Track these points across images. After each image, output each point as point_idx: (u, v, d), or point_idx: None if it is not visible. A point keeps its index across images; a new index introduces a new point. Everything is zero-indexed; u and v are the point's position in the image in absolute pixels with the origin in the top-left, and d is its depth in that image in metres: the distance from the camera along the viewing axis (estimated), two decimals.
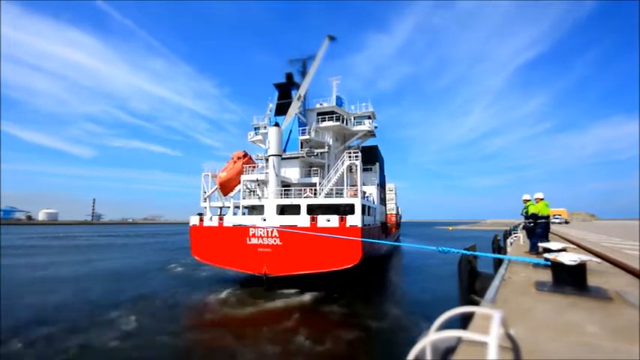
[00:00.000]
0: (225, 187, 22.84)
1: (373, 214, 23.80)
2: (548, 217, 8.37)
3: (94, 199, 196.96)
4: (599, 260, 6.27)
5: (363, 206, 18.99)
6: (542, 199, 8.58)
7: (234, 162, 23.22)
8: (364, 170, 29.73)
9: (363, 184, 26.56)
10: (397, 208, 53.99)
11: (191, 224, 20.88)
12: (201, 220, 20.54)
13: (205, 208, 22.70)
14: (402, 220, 64.58)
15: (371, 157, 30.90)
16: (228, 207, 21.91)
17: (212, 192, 23.18)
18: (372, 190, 26.10)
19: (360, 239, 15.81)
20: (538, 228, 8.29)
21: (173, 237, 67.87)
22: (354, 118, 27.99)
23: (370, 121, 27.83)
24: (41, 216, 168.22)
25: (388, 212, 44.36)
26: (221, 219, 19.97)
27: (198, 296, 16.53)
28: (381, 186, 33.75)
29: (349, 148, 27.53)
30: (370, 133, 28.33)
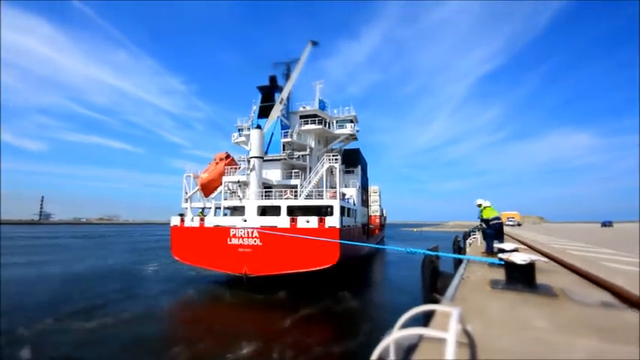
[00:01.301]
0: (207, 188, 22.45)
1: (353, 215, 23.87)
2: (499, 220, 8.77)
3: (43, 197, 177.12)
4: (546, 260, 6.62)
5: (343, 208, 18.99)
6: (488, 206, 9.19)
7: (217, 163, 22.89)
8: (346, 173, 29.84)
9: (345, 187, 26.63)
10: (381, 210, 54.04)
11: (172, 225, 20.49)
12: (182, 220, 20.15)
13: (186, 208, 22.22)
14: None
15: (353, 159, 31.06)
16: (210, 208, 21.50)
17: (193, 193, 22.71)
18: (352, 193, 26.20)
19: (338, 240, 15.82)
20: (491, 230, 8.68)
21: (119, 238, 61.92)
22: (337, 122, 28.12)
23: (352, 124, 28.00)
24: None
25: (372, 214, 44.57)
26: (202, 219, 19.61)
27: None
28: (364, 188, 33.85)
29: (331, 150, 27.58)
30: (352, 137, 28.51)
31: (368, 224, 35.09)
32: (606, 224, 56.31)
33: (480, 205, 9.35)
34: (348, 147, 31.25)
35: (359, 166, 31.26)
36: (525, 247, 10.54)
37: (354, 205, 25.01)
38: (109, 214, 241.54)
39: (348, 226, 20.54)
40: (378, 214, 48.06)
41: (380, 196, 51.40)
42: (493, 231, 8.47)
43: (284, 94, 23.74)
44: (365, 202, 34.99)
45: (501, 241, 8.11)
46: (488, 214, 8.67)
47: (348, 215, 21.54)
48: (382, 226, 54.42)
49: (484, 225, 9.04)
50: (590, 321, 2.95)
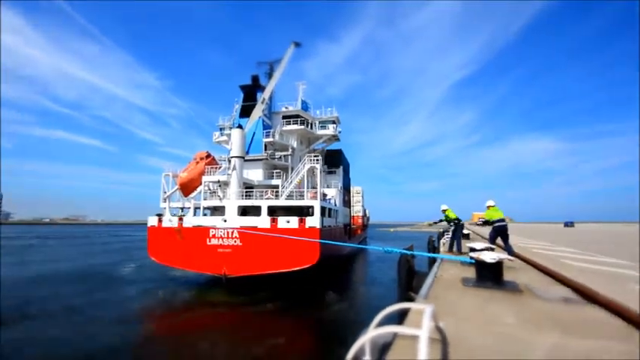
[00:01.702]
0: (187, 188, 21.82)
1: (335, 215, 23.90)
2: (458, 222, 9.80)
3: (1, 195, 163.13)
4: (512, 258, 6.91)
5: (323, 208, 18.98)
6: (447, 209, 10.23)
7: (197, 162, 22.32)
8: (328, 173, 29.85)
9: (327, 187, 26.66)
10: (364, 211, 54.08)
11: (149, 225, 19.76)
12: (160, 220, 19.46)
13: (165, 208, 21.49)
14: None
15: (335, 160, 31.04)
16: (189, 208, 20.92)
17: (172, 192, 22.00)
18: (334, 193, 26.25)
19: (318, 240, 15.79)
20: (456, 231, 9.39)
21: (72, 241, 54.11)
22: (319, 123, 28.01)
23: (335, 125, 28.00)
24: None
25: (354, 214, 44.63)
26: (181, 220, 19.03)
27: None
28: (346, 189, 33.84)
29: (314, 151, 27.49)
30: (334, 138, 28.51)
31: (350, 224, 35.11)
32: (568, 224, 59.75)
33: (444, 211, 10.22)
34: (330, 148, 31.19)
35: (341, 167, 31.33)
36: (495, 247, 11.01)
37: (336, 205, 25.05)
38: (74, 214, 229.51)
39: (329, 226, 20.53)
40: (360, 214, 48.13)
41: (363, 196, 51.58)
42: (494, 232, 8.52)
43: (266, 94, 23.46)
44: (347, 203, 34.99)
45: (507, 241, 8.29)
46: (492, 216, 8.66)
47: (329, 215, 21.52)
48: (365, 226, 54.52)
49: (452, 226, 9.83)
50: (552, 315, 3.12)
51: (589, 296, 3.85)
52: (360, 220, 46.56)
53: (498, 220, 8.50)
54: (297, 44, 24.64)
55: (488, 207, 8.77)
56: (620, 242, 16.29)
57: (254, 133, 22.80)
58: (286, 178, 21.99)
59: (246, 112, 23.43)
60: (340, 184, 29.57)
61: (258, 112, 22.87)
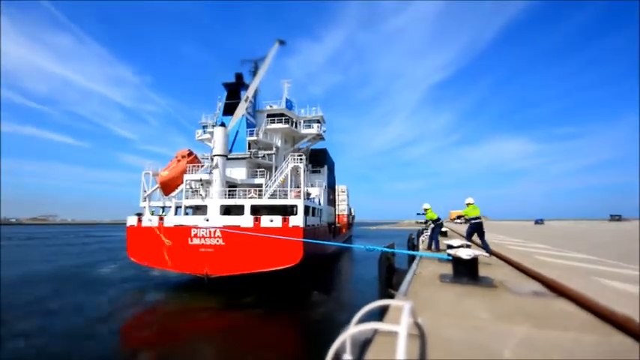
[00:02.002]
0: (168, 187, 21.20)
1: (319, 214, 23.84)
2: (437, 221, 9.99)
3: None
4: (488, 254, 7.11)
5: (307, 207, 18.87)
6: (428, 208, 10.34)
7: (178, 160, 21.74)
8: (313, 172, 29.63)
9: (311, 186, 26.50)
10: (350, 209, 53.87)
11: (128, 224, 19.11)
12: (140, 220, 18.80)
13: (144, 207, 20.78)
14: None
15: (320, 159, 30.83)
16: (170, 207, 20.30)
17: (152, 191, 21.32)
18: (318, 192, 26.14)
19: (301, 239, 15.67)
20: (435, 229, 9.61)
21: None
22: (304, 122, 27.73)
23: (319, 124, 27.70)
24: None
25: (340, 213, 44.34)
26: (161, 219, 18.44)
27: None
28: (330, 188, 33.66)
29: (299, 150, 27.25)
30: (319, 137, 28.25)
31: (335, 223, 35.01)
32: (538, 222, 62.23)
33: (426, 210, 10.37)
34: (315, 147, 30.86)
35: (325, 166, 31.15)
36: (470, 243, 11.31)
37: (320, 204, 24.99)
38: (44, 214, 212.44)
39: (313, 225, 20.46)
40: (346, 213, 47.93)
41: (348, 195, 51.31)
42: (471, 229, 8.78)
43: (250, 92, 23.06)
44: (332, 202, 34.85)
45: (483, 238, 8.52)
46: (470, 213, 8.87)
47: (313, 215, 21.44)
48: (350, 225, 54.35)
49: (433, 225, 10.05)
50: (524, 309, 3.22)
51: (558, 290, 3.99)
52: (345, 219, 46.44)
53: (475, 218, 8.72)
54: (282, 42, 24.38)
55: (468, 204, 8.96)
56: (584, 238, 17.17)
57: (237, 132, 22.41)
58: (270, 177, 21.76)
59: (229, 110, 22.98)
60: (325, 183, 29.45)
61: (241, 110, 22.46)
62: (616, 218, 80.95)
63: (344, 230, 43.43)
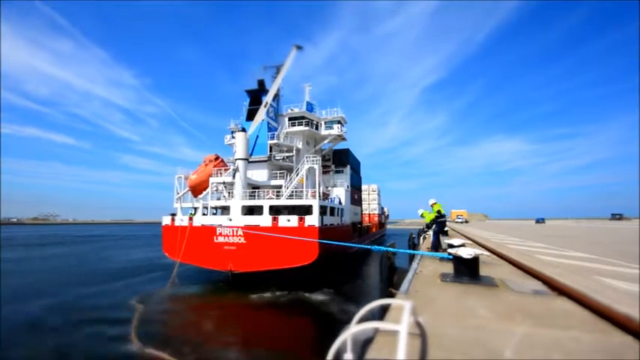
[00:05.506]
0: (196, 189, 21.83)
1: (339, 214, 23.14)
2: (440, 217, 9.54)
3: None
4: (488, 253, 6.74)
5: (324, 207, 18.67)
6: (434, 203, 9.90)
7: (206, 165, 22.32)
8: (336, 172, 28.88)
9: (334, 186, 26.07)
10: (381, 208, 50.67)
11: (163, 224, 19.89)
12: (173, 220, 19.52)
13: (177, 208, 21.38)
14: None
15: (342, 159, 29.90)
16: (198, 207, 20.79)
17: (184, 193, 21.91)
18: (341, 192, 25.48)
19: (316, 240, 15.32)
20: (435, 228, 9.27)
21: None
22: (325, 123, 26.94)
23: (340, 125, 26.76)
24: None
25: (371, 212, 42.53)
26: (191, 219, 18.97)
27: None
28: (355, 187, 32.09)
29: (321, 151, 26.70)
30: (340, 137, 27.26)
31: (360, 223, 33.22)
32: (539, 221, 59.48)
33: (432, 205, 9.96)
34: (337, 147, 29.65)
35: (348, 166, 29.90)
36: (471, 243, 10.86)
37: (341, 204, 24.23)
38: (44, 213, 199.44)
39: (331, 224, 20.02)
40: (377, 212, 45.33)
41: (379, 194, 48.16)
42: (438, 227, 8.73)
43: (269, 98, 23.00)
44: (357, 201, 33.12)
45: (445, 234, 8.37)
46: (427, 217, 8.91)
47: (332, 214, 20.99)
48: (382, 224, 51.18)
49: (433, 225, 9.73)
50: (524, 308, 3.08)
51: (559, 289, 3.81)
52: (376, 219, 43.86)
53: (442, 216, 8.87)
54: (299, 47, 23.61)
55: (433, 204, 8.91)
56: (585, 236, 16.32)
57: (257, 136, 22.55)
58: (289, 179, 21.79)
59: (251, 115, 23.22)
60: (347, 183, 28.30)
61: (261, 115, 22.67)
62: (617, 217, 76.54)
63: (374, 229, 40.80)
